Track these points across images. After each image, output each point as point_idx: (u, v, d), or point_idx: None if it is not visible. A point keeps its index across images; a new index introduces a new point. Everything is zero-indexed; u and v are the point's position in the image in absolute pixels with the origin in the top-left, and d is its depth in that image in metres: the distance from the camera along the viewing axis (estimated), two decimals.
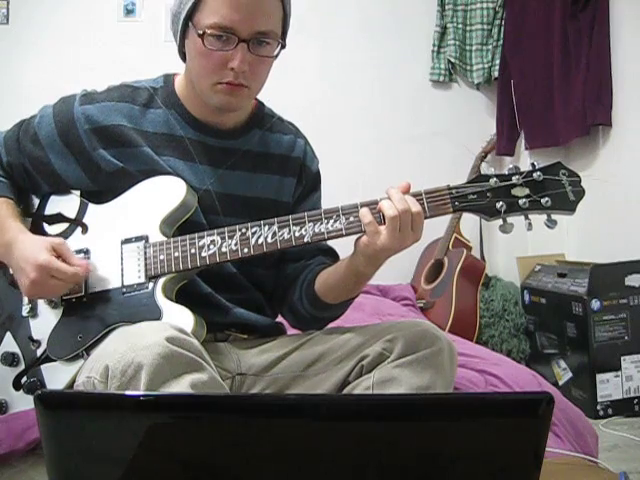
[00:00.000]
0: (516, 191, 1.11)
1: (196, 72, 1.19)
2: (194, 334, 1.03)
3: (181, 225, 1.20)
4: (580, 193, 1.11)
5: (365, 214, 1.09)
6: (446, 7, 3.29)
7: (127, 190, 1.21)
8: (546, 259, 2.90)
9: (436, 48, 3.31)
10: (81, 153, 1.22)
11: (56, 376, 1.14)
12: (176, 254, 1.14)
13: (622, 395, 2.38)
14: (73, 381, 1.10)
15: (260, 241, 1.13)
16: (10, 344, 1.20)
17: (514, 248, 3.04)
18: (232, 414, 0.66)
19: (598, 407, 2.36)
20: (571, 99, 2.87)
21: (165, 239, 1.16)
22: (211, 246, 1.14)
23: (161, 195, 1.19)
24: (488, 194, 1.11)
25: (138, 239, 1.17)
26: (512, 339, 2.79)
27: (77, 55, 3.08)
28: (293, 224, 1.13)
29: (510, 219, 1.12)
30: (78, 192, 1.26)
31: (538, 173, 1.11)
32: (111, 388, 0.91)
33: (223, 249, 1.14)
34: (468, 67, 3.32)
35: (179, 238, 1.16)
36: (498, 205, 1.10)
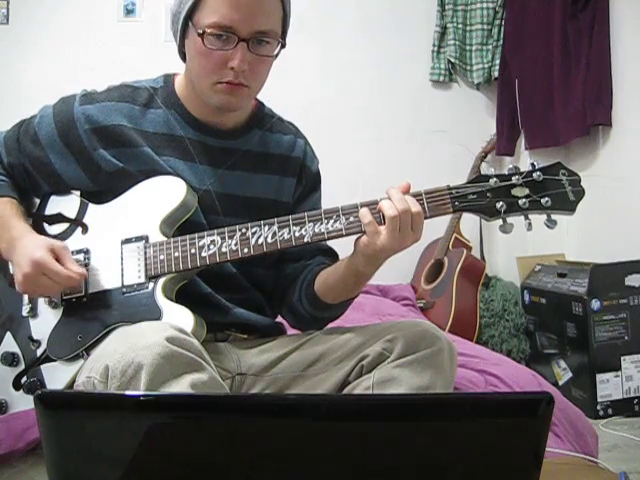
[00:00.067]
0: (516, 191, 1.11)
1: (196, 72, 1.19)
2: (194, 334, 1.03)
3: (181, 225, 1.20)
4: (580, 193, 1.11)
5: (365, 214, 1.09)
6: (446, 7, 3.29)
7: (127, 190, 1.21)
8: (546, 259, 2.90)
9: (436, 48, 3.31)
10: (81, 153, 1.22)
11: (56, 376, 1.14)
12: (176, 254, 1.14)
13: (622, 395, 2.38)
14: (73, 381, 1.10)
15: (260, 241, 1.13)
16: (10, 344, 1.20)
17: (514, 248, 3.04)
18: (232, 414, 0.66)
19: (598, 407, 2.36)
20: (571, 99, 2.87)
21: (165, 239, 1.16)
22: (211, 246, 1.14)
23: (161, 195, 1.19)
24: (488, 194, 1.11)
25: (138, 239, 1.17)
26: (512, 339, 2.79)
27: (77, 55, 3.08)
28: (293, 224, 1.13)
29: (510, 219, 1.12)
30: (78, 192, 1.26)
31: (538, 173, 1.11)
32: (111, 388, 0.91)
33: (223, 249, 1.14)
34: (468, 67, 3.32)
35: (179, 238, 1.16)
36: (498, 205, 1.10)
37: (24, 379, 1.17)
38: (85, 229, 1.22)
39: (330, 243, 1.24)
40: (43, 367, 1.15)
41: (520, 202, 1.10)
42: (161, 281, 1.14)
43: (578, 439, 1.54)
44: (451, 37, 3.27)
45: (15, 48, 3.08)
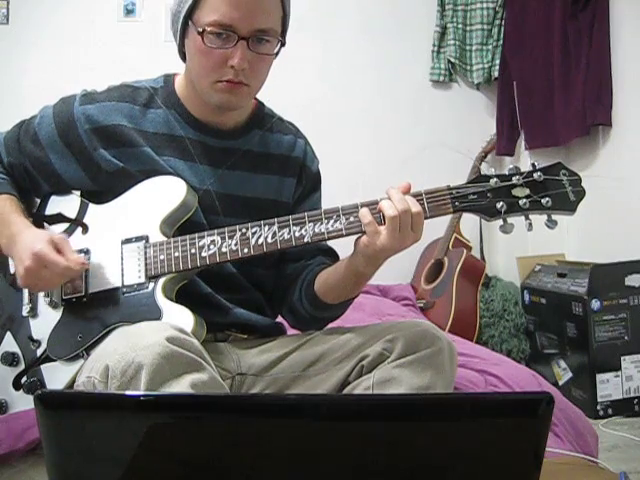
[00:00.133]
0: (516, 191, 1.11)
1: (196, 71, 1.19)
2: (194, 334, 1.03)
3: (181, 225, 1.20)
4: (580, 193, 1.11)
5: (365, 214, 1.09)
6: (446, 7, 3.29)
7: (127, 190, 1.21)
8: (546, 259, 2.90)
9: (436, 48, 3.31)
10: (81, 153, 1.22)
11: (56, 376, 1.14)
12: (176, 254, 1.14)
13: (622, 395, 2.38)
14: (73, 381, 1.10)
15: (260, 241, 1.13)
16: (10, 344, 1.20)
17: (514, 248, 3.04)
18: (232, 414, 0.66)
19: (598, 407, 2.36)
20: (571, 99, 2.87)
21: (165, 239, 1.16)
22: (211, 246, 1.14)
23: (161, 195, 1.19)
24: (488, 194, 1.11)
25: (138, 239, 1.17)
26: (512, 339, 2.79)
27: (77, 55, 3.08)
28: (293, 224, 1.13)
29: (510, 219, 1.12)
30: (78, 192, 1.26)
31: (538, 173, 1.11)
32: (111, 388, 0.91)
33: (223, 249, 1.14)
34: (468, 67, 3.32)
35: (179, 238, 1.16)
36: (498, 205, 1.10)
37: (24, 379, 1.17)
38: (85, 229, 1.22)
39: (330, 243, 1.24)
40: (43, 367, 1.15)
41: (520, 202, 1.10)
42: (161, 281, 1.14)
43: (578, 439, 1.54)
44: (451, 37, 3.27)
45: (15, 48, 3.08)
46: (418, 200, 1.10)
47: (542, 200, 1.10)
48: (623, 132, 2.71)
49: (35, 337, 1.18)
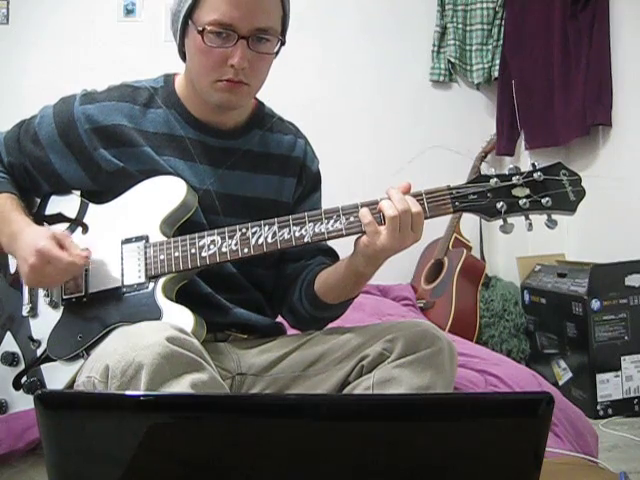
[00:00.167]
0: (516, 191, 1.11)
1: (196, 70, 1.19)
2: (194, 334, 1.02)
3: (181, 225, 1.20)
4: (580, 193, 1.11)
5: (365, 214, 1.09)
6: (446, 7, 3.29)
7: (127, 190, 1.21)
8: (546, 259, 2.90)
9: (436, 48, 3.31)
10: (81, 153, 1.22)
11: (56, 376, 1.14)
12: (176, 254, 1.14)
13: (622, 395, 2.38)
14: (73, 381, 1.10)
15: (260, 241, 1.13)
16: (10, 344, 1.20)
17: (514, 248, 3.04)
18: (232, 414, 0.66)
19: (598, 407, 2.36)
20: (571, 99, 2.87)
21: (165, 239, 1.16)
22: (211, 246, 1.14)
23: (161, 195, 1.19)
24: (488, 194, 1.11)
25: (138, 239, 1.17)
26: (512, 339, 2.79)
27: (77, 55, 3.08)
28: (293, 224, 1.13)
29: (510, 219, 1.12)
30: (78, 192, 1.26)
31: (539, 173, 1.11)
32: (111, 388, 0.91)
33: (223, 249, 1.14)
34: (468, 67, 3.32)
35: (179, 238, 1.16)
36: (498, 205, 1.10)
37: (24, 379, 1.17)
38: (85, 229, 1.22)
39: (330, 243, 1.24)
40: (43, 367, 1.15)
41: (521, 202, 1.10)
42: (161, 281, 1.14)
43: (578, 439, 1.54)
44: (451, 37, 3.27)
45: (15, 48, 3.08)
46: (418, 200, 1.10)
47: (542, 200, 1.10)
48: (623, 132, 2.71)
49: (35, 337, 1.18)
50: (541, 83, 3.04)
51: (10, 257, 1.24)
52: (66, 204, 1.25)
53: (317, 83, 3.21)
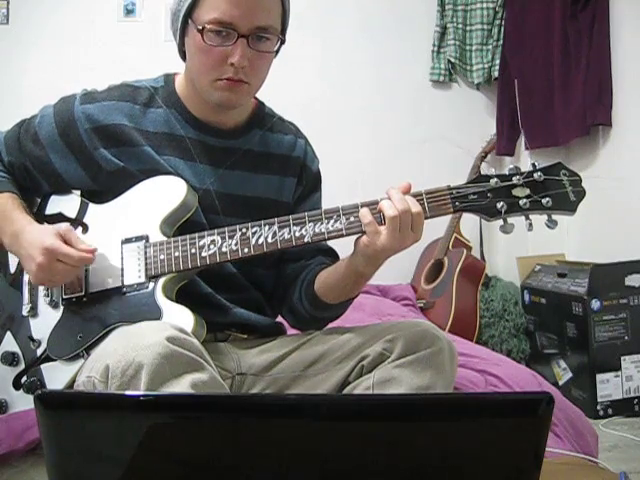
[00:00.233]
0: (517, 191, 1.11)
1: (196, 69, 1.19)
2: (194, 334, 1.02)
3: (181, 225, 1.20)
4: (581, 193, 1.11)
5: (365, 214, 1.09)
6: (446, 7, 3.29)
7: (127, 190, 1.21)
8: (546, 259, 2.90)
9: (436, 48, 3.31)
10: (82, 152, 1.22)
11: (56, 376, 1.14)
12: (176, 254, 1.14)
13: (622, 395, 2.38)
14: (73, 381, 1.09)
15: (260, 241, 1.13)
16: (10, 343, 1.20)
17: (514, 248, 3.04)
18: (232, 414, 0.66)
19: (598, 407, 2.36)
20: (571, 99, 2.87)
21: (165, 239, 1.16)
22: (211, 246, 1.14)
23: (162, 195, 1.19)
24: (489, 194, 1.11)
25: (138, 239, 1.17)
26: (512, 339, 2.79)
27: (77, 55, 3.08)
28: (293, 224, 1.13)
29: (511, 219, 1.12)
30: (78, 192, 1.26)
31: (539, 173, 1.11)
32: (111, 388, 0.91)
33: (223, 249, 1.14)
34: (468, 67, 3.32)
35: (179, 238, 1.16)
36: (499, 205, 1.10)
37: (24, 379, 1.17)
38: (85, 229, 1.22)
39: (330, 243, 1.24)
40: (43, 367, 1.15)
41: (521, 202, 1.10)
42: (161, 281, 1.14)
43: (578, 439, 1.54)
44: (451, 37, 3.27)
45: (15, 48, 3.08)
46: (418, 200, 1.10)
47: (542, 200, 1.10)
48: (623, 132, 2.71)
49: (35, 337, 1.18)
50: (541, 83, 3.04)
51: (10, 257, 1.24)
52: (66, 204, 1.25)
53: (317, 82, 3.21)
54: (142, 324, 1.01)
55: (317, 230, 1.12)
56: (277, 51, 1.20)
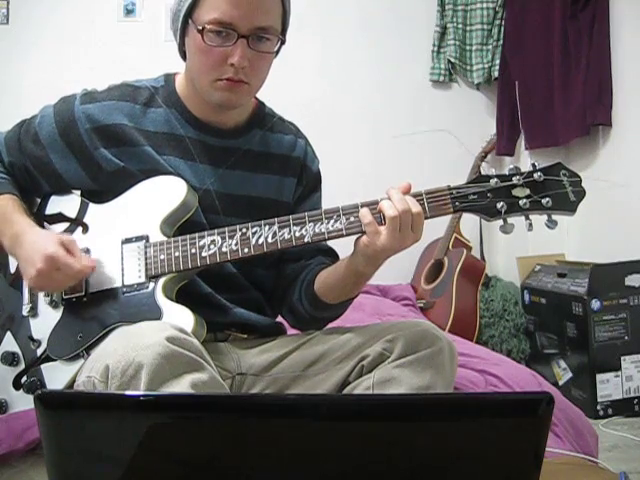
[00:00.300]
0: (517, 191, 1.11)
1: (196, 69, 1.19)
2: (194, 334, 1.02)
3: (181, 225, 1.20)
4: (581, 193, 1.11)
5: (365, 214, 1.09)
6: (446, 7, 3.29)
7: (128, 190, 1.21)
8: (546, 259, 2.90)
9: (436, 48, 3.31)
10: (82, 152, 1.22)
11: (56, 376, 1.14)
12: (176, 254, 1.14)
13: (622, 395, 2.38)
14: (73, 381, 1.09)
15: (260, 241, 1.13)
16: (10, 343, 1.20)
17: (514, 248, 3.04)
18: (232, 414, 0.66)
19: (598, 407, 2.36)
20: (571, 99, 2.87)
21: (165, 239, 1.16)
22: (211, 246, 1.14)
23: (162, 195, 1.19)
24: (489, 194, 1.11)
25: (138, 239, 1.17)
26: (512, 339, 2.79)
27: (77, 55, 3.09)
28: (293, 224, 1.13)
29: (511, 219, 1.12)
30: (79, 192, 1.26)
31: (539, 173, 1.11)
32: (111, 388, 0.91)
33: (223, 249, 1.14)
34: (468, 67, 3.32)
35: (179, 238, 1.16)
36: (499, 205, 1.10)
37: (24, 379, 1.17)
38: (85, 229, 1.22)
39: (330, 243, 1.24)
40: (43, 367, 1.15)
41: (521, 202, 1.10)
42: (161, 281, 1.14)
43: (578, 439, 1.54)
44: (451, 37, 3.27)
45: (15, 48, 3.08)
46: (418, 200, 1.10)
47: (542, 200, 1.10)
48: (623, 132, 2.71)
49: (35, 337, 1.18)
50: (541, 83, 3.04)
51: (10, 257, 1.24)
52: (66, 204, 1.25)
53: (317, 82, 3.21)
54: (142, 324, 1.01)
55: (317, 230, 1.12)
56: (277, 51, 1.20)
